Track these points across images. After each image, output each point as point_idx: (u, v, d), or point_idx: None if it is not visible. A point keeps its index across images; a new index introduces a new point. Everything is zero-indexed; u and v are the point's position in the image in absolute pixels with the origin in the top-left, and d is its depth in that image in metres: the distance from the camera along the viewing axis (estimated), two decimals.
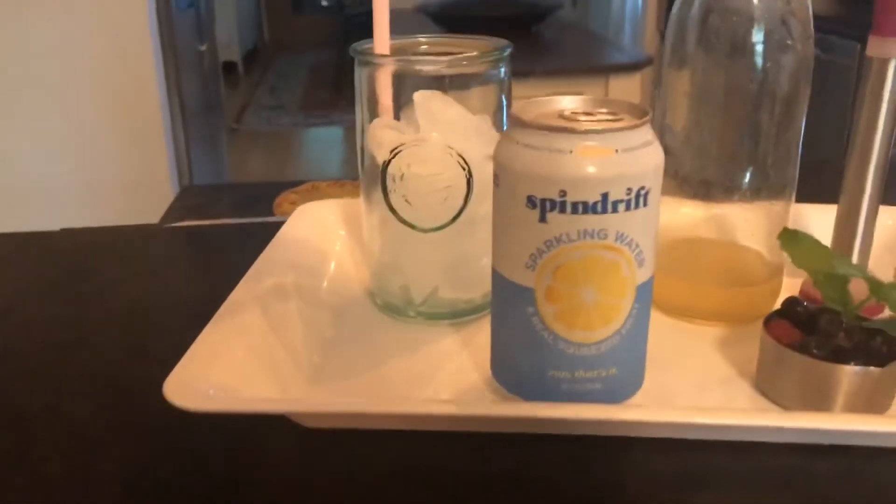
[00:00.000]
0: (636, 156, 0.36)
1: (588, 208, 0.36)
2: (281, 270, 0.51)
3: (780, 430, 0.38)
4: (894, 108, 0.47)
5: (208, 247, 0.70)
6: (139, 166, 2.23)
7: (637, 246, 0.38)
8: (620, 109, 0.39)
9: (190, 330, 0.42)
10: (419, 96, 0.48)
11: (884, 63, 0.46)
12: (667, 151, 0.49)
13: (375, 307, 0.53)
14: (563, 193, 0.36)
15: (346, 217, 0.59)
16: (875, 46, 0.46)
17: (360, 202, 0.52)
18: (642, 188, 0.37)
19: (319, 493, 0.37)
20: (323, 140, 4.53)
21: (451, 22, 2.46)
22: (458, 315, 0.51)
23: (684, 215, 0.51)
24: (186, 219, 1.03)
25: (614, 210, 0.36)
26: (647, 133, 0.37)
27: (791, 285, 0.51)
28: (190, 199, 1.27)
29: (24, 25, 2.02)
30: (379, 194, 0.49)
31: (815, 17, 0.47)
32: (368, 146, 0.49)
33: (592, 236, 0.37)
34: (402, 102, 0.48)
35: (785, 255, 0.49)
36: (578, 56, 2.27)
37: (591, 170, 0.36)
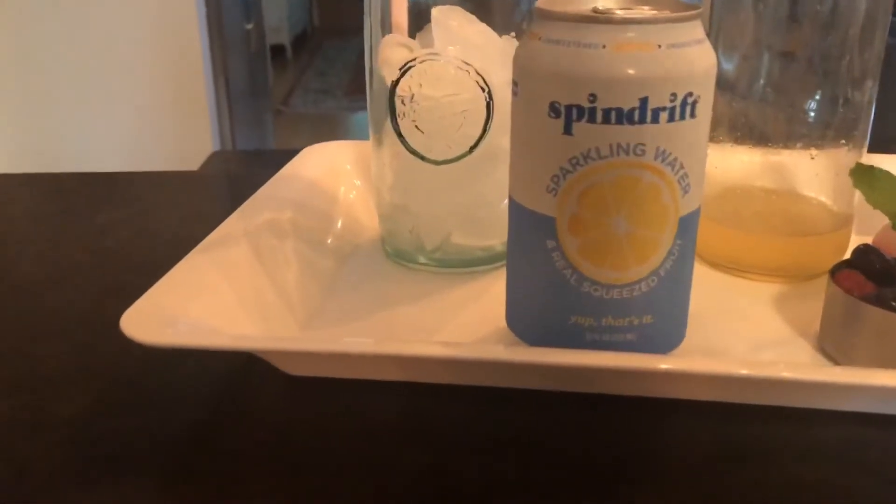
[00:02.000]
0: (683, 54, 0.30)
1: (623, 117, 0.30)
2: (278, 206, 0.45)
3: (853, 388, 0.32)
4: None
5: (214, 195, 0.65)
6: (184, 146, 2.22)
7: (682, 167, 0.31)
8: (665, 4, 0.32)
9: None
10: (437, 11, 0.42)
11: None
12: (722, 85, 0.43)
13: (384, 255, 0.47)
14: (593, 98, 0.30)
15: (358, 159, 0.54)
16: None
17: (370, 136, 0.46)
18: (689, 94, 0.30)
19: (298, 446, 0.31)
20: (366, 124, 4.50)
21: None
22: (474, 264, 0.45)
23: (740, 161, 0.45)
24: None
25: (655, 120, 0.30)
26: (696, 29, 0.31)
27: (860, 242, 0.44)
28: (220, 163, 1.23)
29: (74, 5, 2.02)
30: (388, 124, 0.43)
31: None
32: (377, 68, 0.43)
33: (627, 152, 0.30)
34: (418, 28, 0.43)
35: (856, 202, 0.43)
36: None
37: (627, 69, 0.30)
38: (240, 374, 0.36)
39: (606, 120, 0.30)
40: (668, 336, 0.35)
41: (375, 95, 0.44)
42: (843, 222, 0.44)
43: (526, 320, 0.36)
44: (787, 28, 0.41)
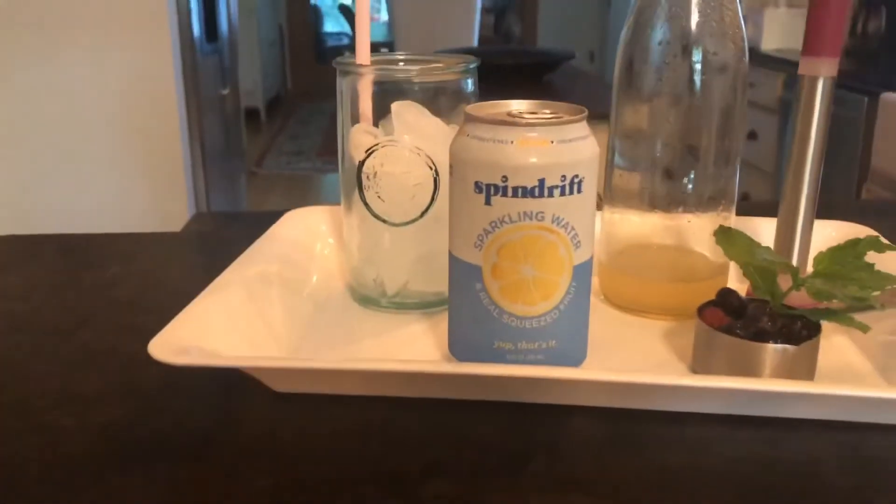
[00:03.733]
0: (571, 147, 0.41)
1: (527, 192, 0.41)
2: (266, 260, 0.56)
3: (704, 390, 0.42)
4: (825, 123, 0.52)
5: (211, 250, 0.75)
6: (160, 206, 2.30)
7: (573, 229, 0.42)
8: (561, 110, 0.44)
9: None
10: (396, 106, 0.53)
11: (814, 80, 0.51)
12: (619, 164, 0.55)
13: (353, 300, 0.58)
14: (505, 179, 0.41)
15: (333, 222, 0.64)
16: (805, 66, 0.51)
17: (342, 203, 0.57)
18: (576, 176, 0.41)
19: (284, 449, 0.41)
20: (337, 184, 4.62)
21: None
22: (427, 306, 0.55)
23: (636, 224, 0.56)
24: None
25: (550, 195, 0.41)
26: (582, 129, 0.42)
27: (741, 289, 0.55)
28: (202, 224, 1.33)
29: (52, 67, 2.12)
30: (356, 194, 0.54)
31: None
32: (348, 149, 0.54)
33: (531, 218, 0.41)
34: (381, 115, 0.54)
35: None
36: (586, 101, 2.32)
37: (530, 158, 0.41)
38: (234, 390, 0.46)
39: (515, 194, 0.41)
40: (570, 357, 0.45)
41: (346, 171, 0.55)
42: (720, 270, 0.55)
43: (462, 346, 0.46)
44: (667, 122, 0.53)
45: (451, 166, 0.44)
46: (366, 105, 0.53)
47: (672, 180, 0.54)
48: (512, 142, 0.41)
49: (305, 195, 4.38)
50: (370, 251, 0.55)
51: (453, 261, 0.45)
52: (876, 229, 0.60)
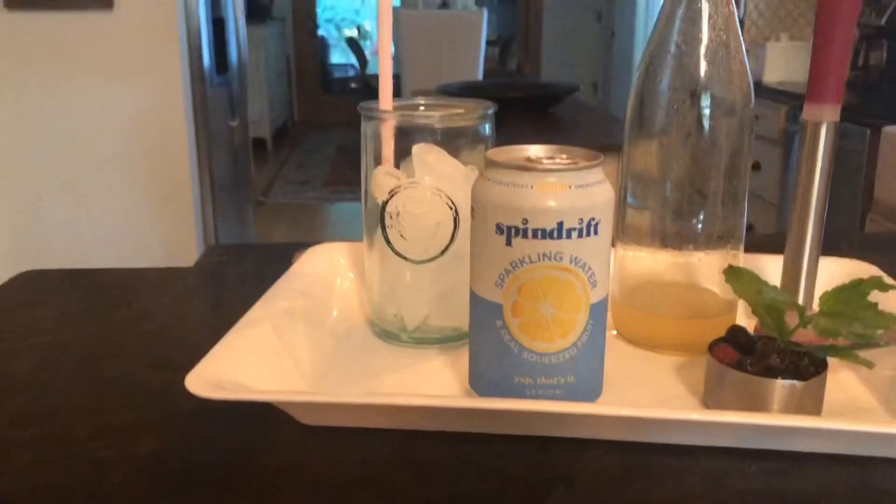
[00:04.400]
0: (587, 192, 0.44)
1: (546, 234, 0.43)
2: (292, 297, 0.58)
3: (714, 425, 0.44)
4: (828, 166, 0.54)
5: (232, 284, 0.77)
6: (168, 237, 2.34)
7: (590, 269, 0.44)
8: (577, 155, 0.46)
9: (208, 348, 0.48)
10: (417, 149, 0.55)
11: (817, 126, 0.54)
12: (631, 204, 0.57)
13: (374, 334, 0.60)
14: (526, 221, 0.43)
15: (354, 257, 0.66)
16: (809, 112, 0.54)
17: (364, 240, 0.59)
18: (593, 219, 0.44)
19: (312, 479, 0.43)
20: (347, 214, 4.66)
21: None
22: (446, 341, 0.57)
23: (648, 261, 0.58)
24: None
25: (568, 236, 0.43)
26: (598, 174, 0.45)
27: (748, 322, 0.57)
28: (216, 257, 1.35)
29: (63, 97, 2.16)
30: (379, 232, 0.56)
31: None
32: (371, 190, 0.56)
33: (550, 258, 0.44)
34: (402, 155, 0.56)
35: None
36: (591, 135, 2.36)
37: (549, 202, 0.43)
38: (263, 421, 0.48)
39: (535, 236, 0.43)
40: (587, 392, 0.47)
41: (369, 211, 0.57)
42: (729, 308, 0.57)
43: (483, 381, 0.48)
44: (677, 164, 0.55)
45: (472, 208, 0.46)
46: (388, 148, 0.56)
47: (682, 220, 0.56)
48: (532, 186, 0.43)
49: (313, 225, 4.42)
50: (391, 287, 0.57)
51: (475, 299, 0.47)
52: (879, 263, 0.62)
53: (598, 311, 0.46)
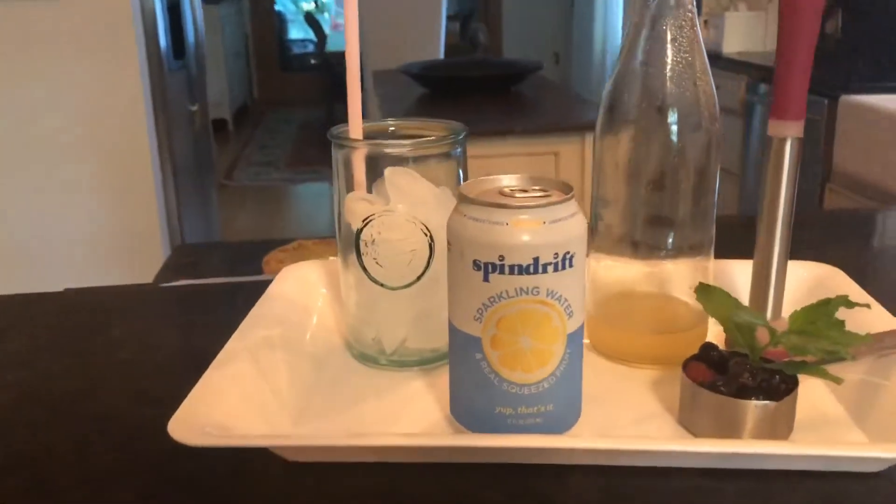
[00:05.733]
0: (561, 226, 0.44)
1: (522, 270, 0.44)
2: (268, 324, 0.58)
3: (689, 454, 0.45)
4: (793, 179, 0.55)
5: (202, 305, 0.77)
6: (131, 224, 2.31)
7: (566, 300, 0.45)
8: (551, 186, 0.47)
9: (187, 380, 0.49)
10: (389, 172, 0.55)
11: (782, 142, 0.55)
12: (602, 216, 0.58)
13: (352, 357, 0.60)
14: (502, 258, 0.44)
15: (326, 276, 0.66)
16: (774, 127, 0.55)
17: (339, 264, 0.59)
18: (567, 252, 0.44)
19: None
20: (311, 195, 4.63)
21: (432, 82, 2.57)
22: (425, 363, 0.58)
23: (620, 271, 0.59)
24: (180, 277, 1.10)
25: (544, 271, 0.44)
26: (571, 207, 0.45)
27: (719, 332, 0.58)
28: (182, 257, 1.34)
29: (20, 86, 2.11)
30: (354, 257, 0.56)
31: None
32: (345, 216, 0.56)
33: (527, 293, 0.44)
34: (374, 177, 0.56)
35: None
36: (556, 115, 2.37)
37: (524, 238, 0.43)
38: (247, 458, 0.48)
39: (511, 272, 0.44)
40: (566, 418, 0.48)
41: (343, 236, 0.57)
42: (701, 319, 0.58)
43: (464, 411, 0.49)
44: (645, 190, 0.56)
45: (449, 242, 0.46)
46: (360, 175, 0.56)
47: (653, 232, 0.57)
48: (506, 223, 0.43)
49: (279, 208, 4.38)
50: (368, 312, 0.58)
51: (454, 331, 0.47)
52: (838, 249, 0.63)
53: (574, 339, 0.47)
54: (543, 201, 0.44)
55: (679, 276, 0.58)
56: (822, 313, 0.48)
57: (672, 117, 0.54)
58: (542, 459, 0.47)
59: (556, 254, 0.44)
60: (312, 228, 3.90)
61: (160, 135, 2.45)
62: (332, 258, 0.66)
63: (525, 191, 0.46)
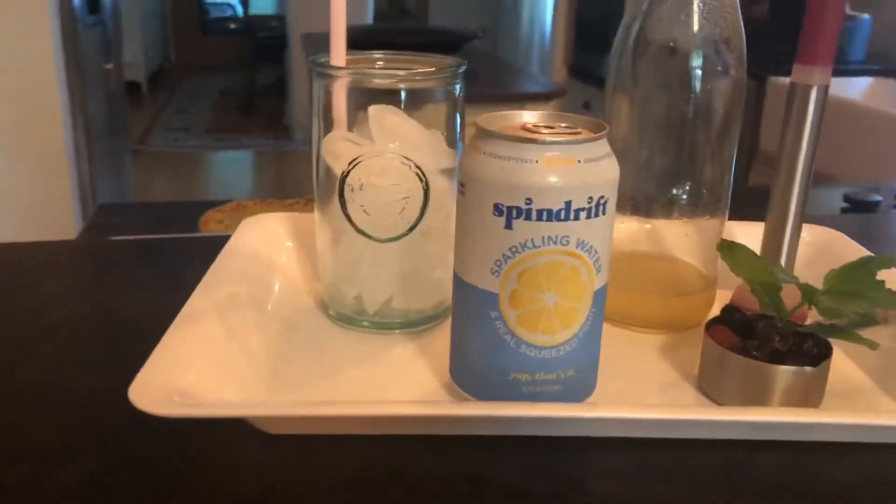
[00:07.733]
0: (597, 166, 0.39)
1: (552, 216, 0.38)
2: (234, 280, 0.50)
3: (724, 423, 0.41)
4: (816, 131, 0.51)
5: (139, 260, 0.68)
6: (42, 185, 2.17)
7: (596, 252, 0.40)
8: (578, 123, 0.41)
9: (137, 342, 0.41)
10: (374, 110, 0.49)
11: (807, 89, 0.50)
12: None
13: (327, 317, 0.53)
14: (529, 201, 0.38)
15: (292, 229, 0.59)
16: (798, 73, 0.50)
17: (315, 214, 0.52)
18: (602, 197, 0.39)
19: (278, 496, 0.37)
20: (231, 162, 4.46)
21: (365, 48, 2.47)
22: (409, 325, 0.52)
23: (626, 231, 0.54)
24: (107, 236, 1.01)
25: (576, 218, 0.38)
26: (605, 146, 0.40)
27: (721, 296, 0.54)
28: (106, 217, 1.23)
29: None
30: (334, 206, 0.49)
31: None
32: (324, 158, 0.50)
33: (556, 242, 0.38)
34: (356, 116, 0.49)
35: (719, 267, 0.52)
36: (493, 84, 2.32)
37: (555, 179, 0.38)
38: (219, 430, 0.41)
39: (540, 218, 0.38)
40: (586, 385, 0.43)
41: (322, 182, 0.50)
42: (710, 283, 0.54)
43: (471, 376, 0.43)
44: (663, 135, 0.51)
45: (461, 184, 0.40)
46: (340, 111, 0.49)
47: (666, 188, 0.52)
48: (536, 161, 0.38)
49: (196, 174, 4.20)
50: (350, 268, 0.51)
51: (464, 287, 0.41)
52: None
53: (599, 298, 0.41)
54: (579, 138, 0.39)
55: (689, 237, 0.54)
56: (862, 273, 0.44)
57: (695, 60, 0.49)
58: (558, 431, 0.41)
59: (591, 198, 0.38)
60: (233, 196, 3.75)
61: (73, 93, 2.31)
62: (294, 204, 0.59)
63: (550, 127, 0.41)
